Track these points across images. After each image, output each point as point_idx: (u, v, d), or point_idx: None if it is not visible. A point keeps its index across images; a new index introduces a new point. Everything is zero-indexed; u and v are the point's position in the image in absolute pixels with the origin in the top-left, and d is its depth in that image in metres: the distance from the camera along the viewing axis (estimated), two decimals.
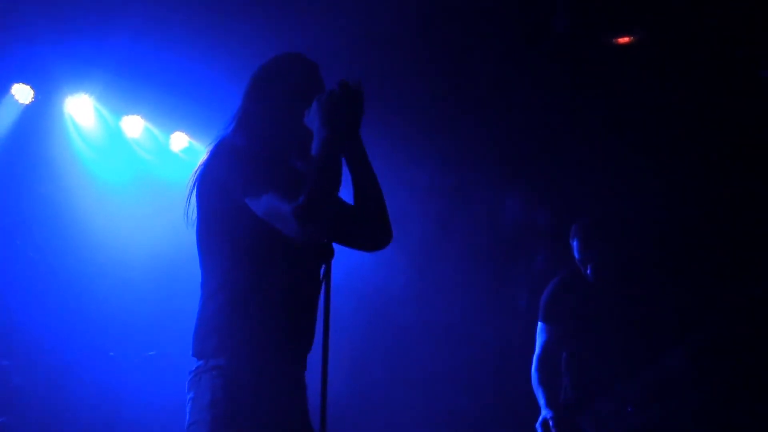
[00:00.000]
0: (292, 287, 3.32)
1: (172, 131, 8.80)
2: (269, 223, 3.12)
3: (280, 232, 3.12)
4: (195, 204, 3.37)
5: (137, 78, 7.87)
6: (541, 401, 5.45)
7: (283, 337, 3.27)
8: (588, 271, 5.46)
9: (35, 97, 7.88)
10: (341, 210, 3.43)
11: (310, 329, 3.42)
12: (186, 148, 8.88)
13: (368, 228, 3.46)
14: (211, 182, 3.28)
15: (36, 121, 8.03)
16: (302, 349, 3.40)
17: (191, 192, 3.40)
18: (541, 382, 5.49)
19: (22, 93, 7.81)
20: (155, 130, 8.74)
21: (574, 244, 5.54)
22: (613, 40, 7.11)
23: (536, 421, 5.54)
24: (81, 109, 8.18)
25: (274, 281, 3.25)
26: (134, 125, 8.50)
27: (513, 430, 7.25)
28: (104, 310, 7.88)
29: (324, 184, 3.05)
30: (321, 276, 3.34)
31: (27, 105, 7.88)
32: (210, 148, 3.44)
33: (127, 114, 8.47)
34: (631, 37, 7.09)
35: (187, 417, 3.20)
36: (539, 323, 5.64)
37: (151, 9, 6.95)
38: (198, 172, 3.38)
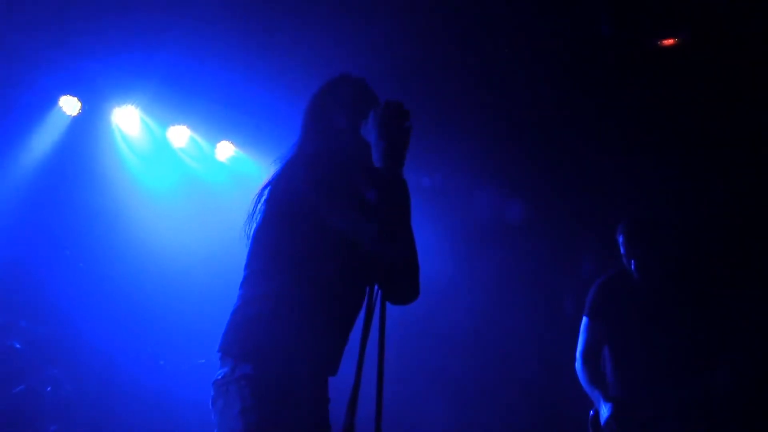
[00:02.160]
0: (339, 308, 3.36)
1: (218, 140, 8.87)
2: (352, 240, 3.18)
3: (347, 252, 3.20)
4: (260, 212, 3.39)
5: (183, 89, 7.96)
6: (595, 395, 5.38)
7: (317, 356, 3.30)
8: (632, 267, 5.42)
9: (82, 108, 8.00)
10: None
11: (341, 351, 3.44)
12: (232, 156, 8.93)
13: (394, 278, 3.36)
14: (287, 193, 3.31)
15: (84, 132, 8.16)
16: (331, 369, 3.43)
17: (257, 201, 3.43)
18: (591, 377, 5.42)
19: (69, 105, 7.94)
20: (201, 140, 8.81)
21: (620, 239, 5.51)
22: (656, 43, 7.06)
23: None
24: (127, 120, 8.30)
25: (322, 299, 3.27)
26: (180, 135, 8.59)
27: None
28: (152, 316, 7.98)
29: (397, 202, 3.16)
30: (376, 290, 3.35)
31: (75, 116, 7.99)
32: (280, 163, 3.46)
33: (173, 124, 8.55)
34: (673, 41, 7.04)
35: (216, 429, 3.21)
36: (584, 318, 5.57)
37: (196, 24, 7.01)
38: (269, 183, 3.41)
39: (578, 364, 5.50)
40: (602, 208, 7.71)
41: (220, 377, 3.24)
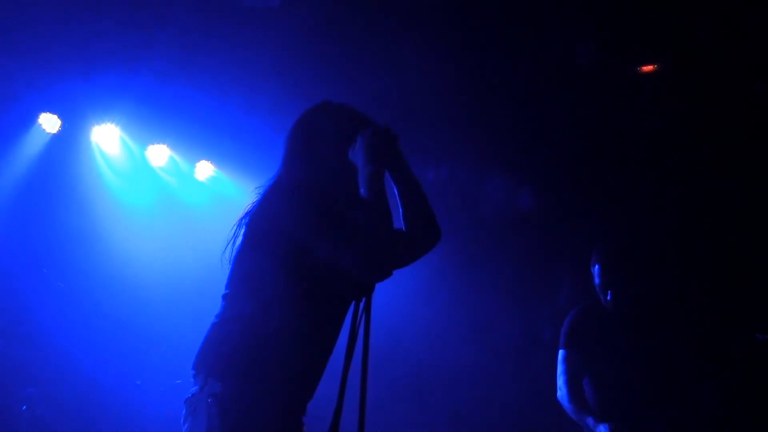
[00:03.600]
0: (317, 335, 3.35)
1: (197, 160, 8.86)
2: (332, 266, 3.18)
3: (326, 277, 3.20)
4: (241, 237, 3.37)
5: (162, 108, 7.98)
6: (588, 420, 5.33)
7: (288, 379, 3.28)
8: (608, 297, 5.39)
9: (62, 126, 7.98)
10: (396, 240, 3.42)
11: (317, 376, 3.42)
12: (211, 176, 8.93)
13: (418, 241, 3.53)
14: (266, 220, 3.30)
15: (63, 150, 8.15)
16: (306, 395, 3.41)
17: (238, 227, 3.41)
18: (579, 403, 5.37)
19: (49, 122, 7.92)
20: (180, 159, 8.80)
21: (595, 269, 5.47)
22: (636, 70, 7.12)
23: None
24: (107, 138, 8.28)
25: (297, 324, 3.26)
26: (160, 154, 8.57)
27: None
28: (130, 335, 7.96)
29: (381, 226, 3.16)
30: (361, 309, 3.35)
31: (54, 134, 7.98)
32: (261, 189, 3.44)
33: (152, 143, 8.54)
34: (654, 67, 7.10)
35: None
36: (560, 351, 5.52)
37: (175, 45, 7.07)
38: (250, 210, 3.39)
39: (562, 394, 5.39)
40: (581, 234, 7.74)
41: (189, 395, 3.24)
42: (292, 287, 3.25)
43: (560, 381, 5.44)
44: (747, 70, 6.81)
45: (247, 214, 3.39)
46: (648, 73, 7.14)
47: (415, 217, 3.51)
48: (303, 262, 3.20)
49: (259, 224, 3.31)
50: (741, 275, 6.93)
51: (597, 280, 5.42)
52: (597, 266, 5.42)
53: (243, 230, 3.37)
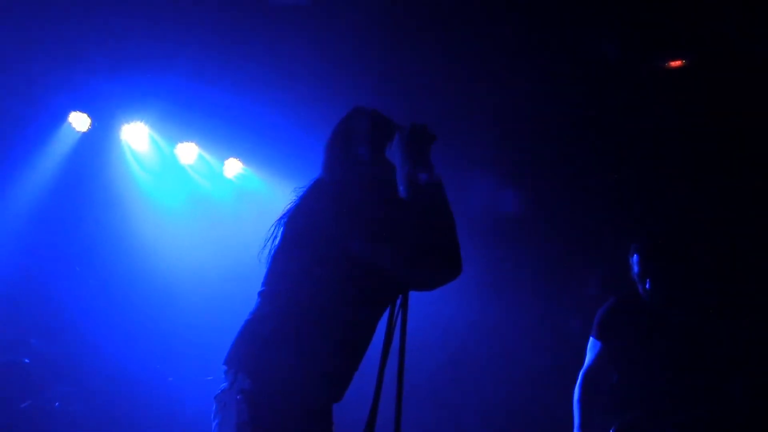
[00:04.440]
0: (351, 334, 3.37)
1: (225, 158, 8.91)
2: (371, 265, 3.21)
3: (364, 278, 3.23)
4: (279, 235, 3.41)
5: (191, 107, 8.03)
6: (576, 421, 5.33)
7: (319, 379, 3.30)
8: (647, 286, 5.34)
9: (92, 125, 8.03)
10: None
11: (348, 378, 3.43)
12: (240, 174, 8.97)
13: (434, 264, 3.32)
14: (305, 219, 3.34)
15: (93, 148, 8.20)
16: (337, 394, 3.42)
17: (277, 226, 3.44)
18: (582, 400, 5.32)
19: (79, 121, 7.97)
20: (209, 157, 8.85)
21: (634, 259, 5.43)
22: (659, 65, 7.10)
23: None
24: (136, 137, 8.33)
25: (331, 324, 3.28)
26: (189, 152, 8.62)
27: None
28: (162, 332, 8.00)
29: (426, 224, 3.18)
30: (397, 307, 3.38)
31: (84, 133, 8.03)
32: (300, 190, 3.47)
33: (181, 141, 8.58)
34: (676, 63, 7.08)
35: None
36: (591, 339, 5.49)
37: (204, 45, 7.11)
38: (289, 209, 3.43)
39: (577, 384, 5.43)
40: (611, 226, 7.72)
41: (220, 391, 3.27)
42: (328, 286, 3.28)
43: (582, 371, 5.43)
44: None
45: (286, 214, 3.42)
46: (677, 68, 7.11)
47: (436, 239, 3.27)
48: (341, 261, 3.23)
49: (297, 223, 3.35)
50: None
51: (636, 269, 5.40)
52: (636, 255, 5.41)
53: (281, 229, 3.40)
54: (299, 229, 3.33)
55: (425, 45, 7.02)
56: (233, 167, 8.99)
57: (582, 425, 5.27)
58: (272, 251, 3.41)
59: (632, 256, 5.44)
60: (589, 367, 5.41)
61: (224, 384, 3.27)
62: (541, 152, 7.99)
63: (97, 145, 8.22)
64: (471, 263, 7.97)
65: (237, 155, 8.95)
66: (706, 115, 7.14)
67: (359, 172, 3.45)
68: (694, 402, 5.22)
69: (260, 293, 3.39)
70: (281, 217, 3.43)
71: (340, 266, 3.25)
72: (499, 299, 8.38)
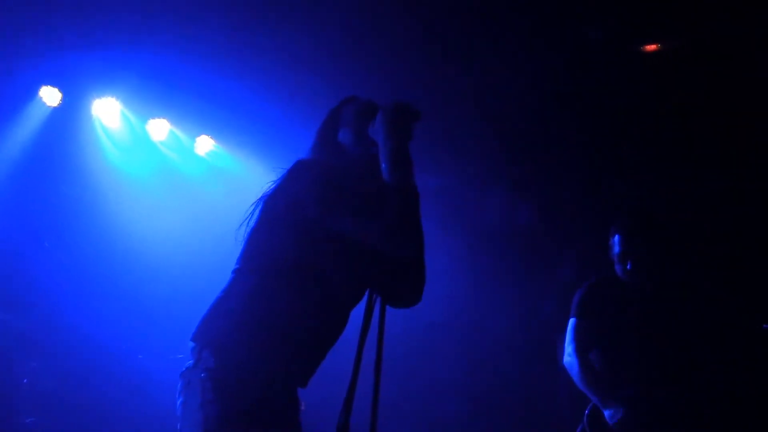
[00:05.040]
0: (324, 315, 3.35)
1: (197, 135, 8.87)
2: (357, 240, 3.19)
3: (343, 261, 3.23)
4: (257, 214, 3.39)
5: (164, 83, 7.96)
6: (599, 392, 5.27)
7: (284, 361, 3.28)
8: (628, 266, 5.35)
9: (63, 99, 7.96)
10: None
11: (315, 364, 3.42)
12: (211, 151, 8.93)
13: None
14: (283, 197, 3.32)
15: (63, 123, 8.12)
16: (305, 373, 3.41)
17: (256, 205, 3.43)
18: (590, 375, 5.29)
19: (50, 96, 7.90)
20: (180, 133, 8.80)
21: (616, 238, 5.45)
22: (642, 48, 7.09)
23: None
24: (108, 112, 8.26)
25: (302, 306, 3.28)
26: (160, 128, 8.57)
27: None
28: (132, 309, 7.98)
29: (404, 198, 3.17)
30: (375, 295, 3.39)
31: (55, 107, 7.96)
32: (282, 170, 3.44)
33: (153, 117, 8.53)
34: (659, 45, 7.08)
35: (179, 423, 3.22)
36: (571, 320, 5.48)
37: (178, 21, 7.02)
38: (270, 189, 3.41)
39: (572, 360, 5.36)
40: (585, 209, 7.75)
41: (185, 369, 3.25)
42: (304, 268, 3.27)
43: (569, 348, 5.43)
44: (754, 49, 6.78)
45: (265, 194, 3.41)
46: (653, 52, 7.11)
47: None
48: (320, 243, 3.22)
49: (276, 203, 3.33)
50: (755, 262, 6.93)
51: (617, 249, 5.41)
52: (617, 235, 5.42)
53: (259, 209, 3.39)
54: (278, 209, 3.31)
55: (404, 27, 6.98)
56: (205, 144, 8.94)
57: (605, 396, 5.24)
58: (249, 230, 3.39)
59: (613, 235, 5.45)
60: (579, 346, 5.41)
61: (190, 361, 3.24)
62: (514, 134, 7.98)
63: (68, 120, 8.15)
64: (442, 250, 8.07)
65: (209, 132, 8.90)
66: (683, 98, 7.15)
67: (341, 153, 3.46)
68: (670, 382, 5.25)
69: (234, 271, 3.37)
70: (260, 197, 3.41)
71: (319, 248, 3.24)
72: (474, 285, 8.39)
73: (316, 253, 3.26)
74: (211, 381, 3.13)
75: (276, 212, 3.32)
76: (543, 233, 8.29)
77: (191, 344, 3.28)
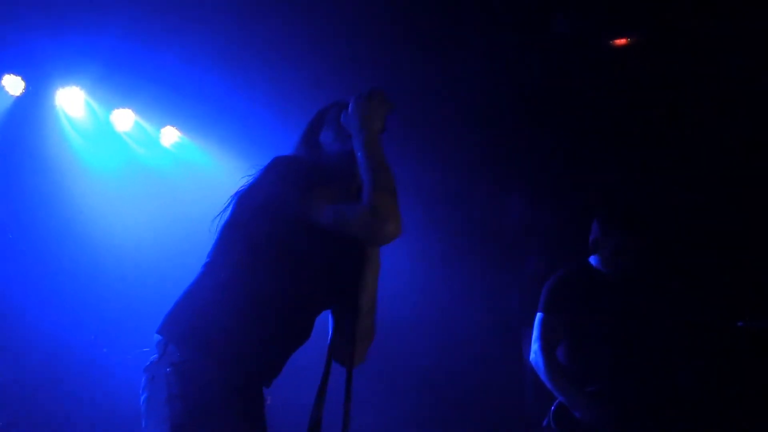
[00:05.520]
0: (291, 317, 3.31)
1: (162, 125, 8.74)
2: (339, 230, 3.14)
3: (317, 256, 3.20)
4: (231, 207, 3.35)
5: (128, 72, 7.82)
6: (565, 389, 5.23)
7: (258, 355, 3.24)
8: (607, 255, 5.34)
9: (26, 88, 7.82)
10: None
11: (283, 361, 3.39)
12: (177, 142, 8.82)
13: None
14: (259, 194, 3.28)
15: (27, 113, 7.97)
16: (266, 376, 3.37)
17: (230, 201, 3.38)
18: (557, 371, 5.25)
19: (12, 84, 7.74)
20: (146, 124, 8.68)
21: (597, 226, 5.43)
22: (612, 42, 7.08)
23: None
24: (72, 102, 8.11)
25: (273, 302, 3.23)
26: (125, 118, 8.43)
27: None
28: (97, 301, 7.84)
29: (383, 182, 3.10)
30: None
31: (18, 96, 7.82)
32: (259, 167, 3.40)
33: (117, 107, 8.39)
34: (629, 39, 7.06)
35: (143, 419, 3.16)
36: (539, 314, 5.41)
37: (144, 6, 6.93)
38: (245, 185, 3.37)
39: (538, 358, 5.31)
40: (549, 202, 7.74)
41: (149, 363, 3.20)
42: (274, 264, 3.22)
43: (536, 345, 5.37)
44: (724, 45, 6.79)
45: (240, 189, 3.37)
46: (623, 46, 7.12)
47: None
48: (296, 233, 3.17)
49: (251, 197, 3.29)
50: (732, 259, 6.93)
51: (598, 235, 5.39)
52: (599, 223, 5.40)
53: (233, 204, 3.34)
54: (254, 204, 3.27)
55: (381, 17, 6.93)
56: (170, 135, 8.82)
57: (572, 391, 5.20)
58: (221, 225, 3.35)
59: (596, 222, 5.42)
60: (543, 341, 5.36)
61: (154, 356, 3.18)
62: (484, 127, 7.94)
63: (31, 110, 7.99)
64: (410, 242, 8.05)
65: (174, 123, 8.77)
66: (653, 91, 7.15)
67: (321, 151, 3.42)
68: (640, 377, 5.23)
69: (204, 264, 3.33)
70: (235, 193, 3.36)
71: (294, 244, 3.20)
72: (441, 278, 8.36)
73: (291, 250, 3.21)
74: (176, 375, 3.07)
75: (251, 208, 3.27)
76: (511, 224, 8.25)
77: (157, 337, 3.22)
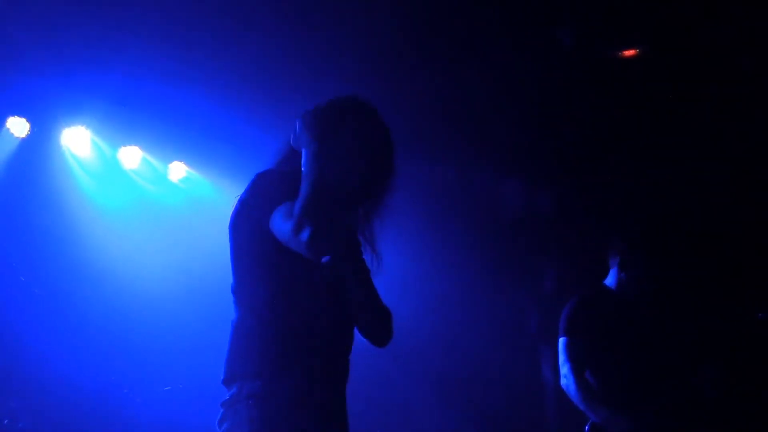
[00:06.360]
0: (317, 310, 3.27)
1: (170, 161, 8.71)
2: (287, 245, 3.08)
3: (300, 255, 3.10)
4: (230, 243, 3.33)
5: (134, 109, 7.80)
6: (600, 410, 5.21)
7: (313, 360, 3.22)
8: (624, 276, 5.34)
9: (31, 129, 7.80)
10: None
11: (343, 353, 3.38)
12: (184, 177, 8.79)
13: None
14: (242, 212, 3.27)
15: (33, 154, 7.97)
16: (338, 373, 3.36)
17: (229, 229, 3.35)
18: (590, 394, 5.23)
19: (17, 126, 7.74)
20: (153, 160, 8.65)
21: (620, 248, 5.41)
22: (618, 53, 7.04)
23: None
24: (78, 141, 8.10)
25: (297, 304, 3.22)
26: (132, 156, 8.41)
27: None
28: (113, 341, 7.79)
29: (314, 196, 3.01)
30: None
31: (23, 138, 7.80)
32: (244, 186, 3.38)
33: (124, 145, 8.37)
34: (636, 50, 7.03)
35: None
36: (562, 339, 5.36)
37: (146, 43, 6.88)
38: (235, 207, 3.34)
39: (568, 382, 5.27)
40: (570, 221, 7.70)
41: (227, 397, 3.18)
42: (282, 283, 3.23)
43: (565, 369, 5.33)
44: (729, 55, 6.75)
45: (232, 215, 3.35)
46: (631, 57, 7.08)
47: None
48: (272, 247, 3.15)
49: (239, 220, 3.30)
50: (745, 257, 6.88)
51: (619, 258, 5.37)
52: (621, 244, 5.38)
53: (230, 231, 3.33)
54: (246, 229, 3.26)
55: (386, 35, 6.89)
56: (178, 171, 8.79)
57: (606, 412, 5.15)
58: (231, 257, 3.33)
59: (617, 245, 5.40)
60: (574, 364, 5.31)
61: (232, 390, 3.18)
62: (500, 142, 7.89)
63: (37, 150, 7.99)
64: (421, 260, 7.98)
65: (182, 158, 8.74)
66: (662, 104, 7.10)
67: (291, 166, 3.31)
68: (664, 397, 5.20)
69: (234, 302, 3.31)
70: (230, 221, 3.34)
71: (272, 250, 3.16)
72: (456, 294, 8.30)
73: (282, 259, 3.18)
74: (258, 409, 3.09)
75: (246, 232, 3.27)
76: (529, 240, 8.20)
77: (224, 375, 3.24)
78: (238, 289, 3.30)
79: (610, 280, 5.50)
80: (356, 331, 3.42)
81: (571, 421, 5.44)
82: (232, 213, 3.33)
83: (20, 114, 7.73)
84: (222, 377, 3.24)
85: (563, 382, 5.36)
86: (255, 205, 3.21)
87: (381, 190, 3.41)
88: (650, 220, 5.75)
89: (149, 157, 8.62)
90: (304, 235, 2.94)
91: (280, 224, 3.05)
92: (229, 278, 3.34)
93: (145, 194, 8.75)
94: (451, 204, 8.32)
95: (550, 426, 7.80)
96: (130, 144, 8.41)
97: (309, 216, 2.96)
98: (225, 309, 3.35)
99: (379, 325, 3.41)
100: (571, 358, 5.32)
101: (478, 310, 8.27)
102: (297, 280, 3.22)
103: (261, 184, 3.26)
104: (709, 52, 6.75)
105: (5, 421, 6.91)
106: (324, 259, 3.06)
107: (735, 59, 6.74)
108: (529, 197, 8.14)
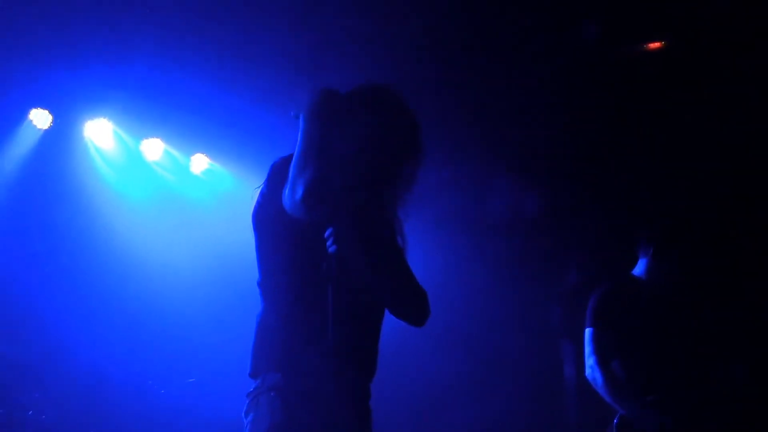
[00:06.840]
0: (341, 304, 3.20)
1: (192, 153, 8.73)
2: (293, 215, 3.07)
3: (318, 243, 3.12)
4: (254, 233, 3.33)
5: (156, 101, 7.81)
6: (631, 407, 5.20)
7: (335, 353, 3.16)
8: (659, 271, 5.33)
9: (54, 121, 7.83)
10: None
11: (367, 347, 3.36)
12: (207, 169, 8.80)
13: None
14: (264, 204, 3.27)
15: (55, 146, 8.00)
16: (362, 367, 3.34)
17: (252, 220, 3.34)
18: (616, 385, 5.22)
19: (40, 118, 7.77)
20: (175, 152, 8.67)
21: (648, 239, 5.36)
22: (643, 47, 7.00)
23: None
24: (100, 133, 8.13)
25: (318, 299, 3.17)
26: (154, 148, 8.43)
27: None
28: (137, 333, 7.83)
29: (304, 156, 3.03)
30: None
31: (46, 130, 7.83)
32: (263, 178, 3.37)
33: (146, 137, 8.40)
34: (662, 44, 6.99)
35: None
36: (588, 330, 5.34)
37: (167, 34, 6.88)
38: (257, 199, 3.33)
39: (595, 372, 5.24)
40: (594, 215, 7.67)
41: (252, 388, 3.21)
42: (313, 268, 3.18)
43: (591, 360, 5.31)
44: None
45: (254, 206, 3.35)
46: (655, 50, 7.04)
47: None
48: (289, 235, 3.18)
49: (261, 210, 3.29)
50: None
51: (650, 249, 5.34)
52: (652, 235, 5.36)
53: (253, 222, 3.33)
54: (268, 219, 3.25)
55: (406, 30, 6.87)
56: (200, 163, 8.80)
57: (633, 403, 5.13)
58: (255, 248, 3.32)
59: (646, 235, 5.37)
60: (600, 355, 5.29)
61: (256, 381, 3.21)
62: (522, 139, 7.85)
63: (59, 142, 8.02)
64: (442, 253, 7.96)
65: (204, 150, 8.76)
66: (684, 99, 7.06)
67: None
68: (694, 388, 5.16)
69: (260, 296, 3.32)
70: (252, 212, 3.33)
71: (290, 238, 3.19)
72: (480, 289, 8.28)
73: (298, 248, 3.20)
74: (279, 401, 3.11)
75: (269, 223, 3.26)
76: (550, 233, 8.17)
77: (251, 368, 3.26)
78: (264, 283, 3.31)
79: (638, 270, 5.46)
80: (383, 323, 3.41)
81: (592, 415, 5.40)
82: (254, 206, 3.32)
83: (43, 106, 7.76)
84: (248, 370, 3.25)
85: (588, 372, 5.33)
86: (274, 195, 3.19)
87: (404, 175, 3.34)
88: (684, 210, 5.70)
89: (171, 149, 8.64)
90: (298, 192, 2.95)
91: (283, 193, 3.06)
92: (252, 270, 3.33)
93: (167, 186, 8.78)
94: (471, 198, 8.28)
95: (570, 420, 7.77)
96: (152, 136, 8.44)
97: (301, 175, 2.97)
98: (250, 302, 3.36)
99: (410, 306, 3.37)
100: (597, 349, 5.29)
101: (497, 305, 8.23)
102: (319, 275, 3.18)
103: (277, 172, 3.24)
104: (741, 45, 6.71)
105: (29, 413, 6.93)
106: (330, 249, 3.08)
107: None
108: (551, 192, 8.08)
